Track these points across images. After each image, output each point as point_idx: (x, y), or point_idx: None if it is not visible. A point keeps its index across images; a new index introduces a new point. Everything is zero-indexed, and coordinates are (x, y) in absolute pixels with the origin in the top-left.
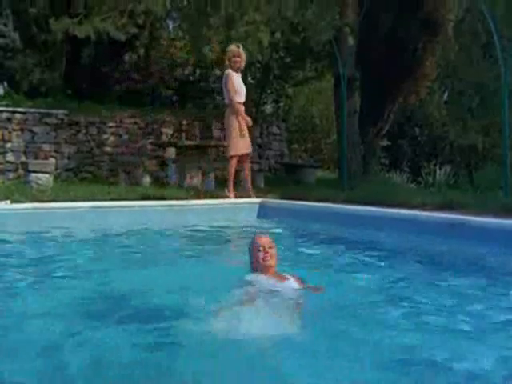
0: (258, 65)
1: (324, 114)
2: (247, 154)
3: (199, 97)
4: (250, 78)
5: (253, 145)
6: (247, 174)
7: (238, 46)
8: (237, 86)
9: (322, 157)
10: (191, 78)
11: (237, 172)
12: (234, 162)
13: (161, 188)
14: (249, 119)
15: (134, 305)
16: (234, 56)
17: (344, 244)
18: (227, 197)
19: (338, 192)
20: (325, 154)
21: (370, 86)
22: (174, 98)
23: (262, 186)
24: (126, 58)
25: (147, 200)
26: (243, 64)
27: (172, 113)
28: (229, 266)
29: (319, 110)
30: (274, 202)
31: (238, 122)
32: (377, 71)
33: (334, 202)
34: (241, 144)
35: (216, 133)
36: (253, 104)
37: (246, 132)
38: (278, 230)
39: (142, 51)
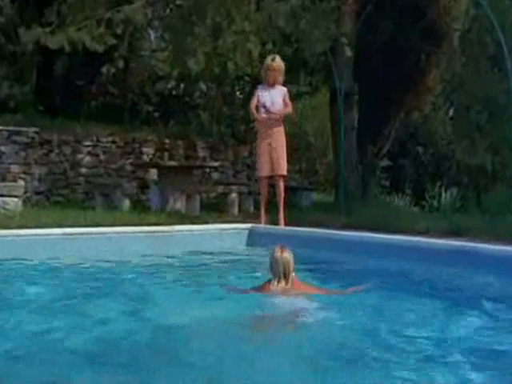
0: (247, 78)
1: (319, 131)
2: (279, 176)
3: (183, 113)
4: (238, 93)
5: (241, 166)
6: (278, 197)
7: (274, 58)
8: (261, 99)
9: (317, 178)
10: (174, 93)
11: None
12: (262, 184)
13: (141, 213)
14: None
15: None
16: (269, 69)
17: (342, 273)
18: (259, 221)
19: (335, 216)
20: (320, 174)
21: (368, 101)
22: (156, 114)
23: (252, 210)
24: (104, 70)
25: (126, 226)
26: (280, 79)
27: (153, 130)
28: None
29: (314, 127)
30: (265, 227)
31: (263, 140)
32: (376, 85)
33: (330, 227)
34: (266, 164)
35: (201, 152)
36: (241, 121)
37: (273, 150)
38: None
39: (120, 63)
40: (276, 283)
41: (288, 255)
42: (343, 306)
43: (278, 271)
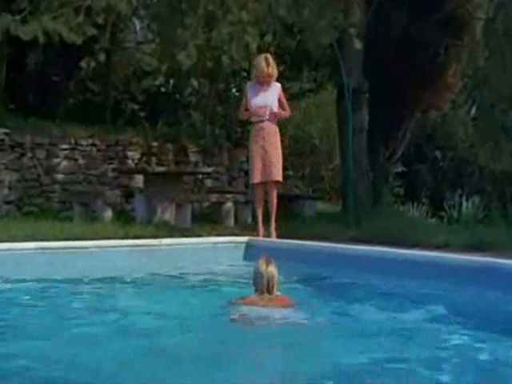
0: (244, 73)
1: (325, 133)
2: (272, 182)
3: (173, 113)
4: (234, 90)
5: (238, 172)
6: (270, 206)
7: (268, 64)
8: (252, 101)
9: (322, 186)
10: (163, 90)
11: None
12: (256, 191)
13: (125, 224)
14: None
15: None
16: (263, 77)
17: (348, 293)
18: (257, 234)
19: (342, 228)
20: (326, 182)
21: (380, 99)
22: (142, 113)
23: (250, 221)
24: (83, 64)
25: (108, 239)
26: (273, 80)
27: (139, 132)
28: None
29: (319, 128)
30: (264, 241)
31: (256, 143)
32: (389, 81)
33: (337, 240)
34: (259, 169)
35: (193, 157)
36: (237, 122)
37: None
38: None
39: (102, 57)
40: (256, 298)
41: (273, 269)
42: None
43: (262, 285)
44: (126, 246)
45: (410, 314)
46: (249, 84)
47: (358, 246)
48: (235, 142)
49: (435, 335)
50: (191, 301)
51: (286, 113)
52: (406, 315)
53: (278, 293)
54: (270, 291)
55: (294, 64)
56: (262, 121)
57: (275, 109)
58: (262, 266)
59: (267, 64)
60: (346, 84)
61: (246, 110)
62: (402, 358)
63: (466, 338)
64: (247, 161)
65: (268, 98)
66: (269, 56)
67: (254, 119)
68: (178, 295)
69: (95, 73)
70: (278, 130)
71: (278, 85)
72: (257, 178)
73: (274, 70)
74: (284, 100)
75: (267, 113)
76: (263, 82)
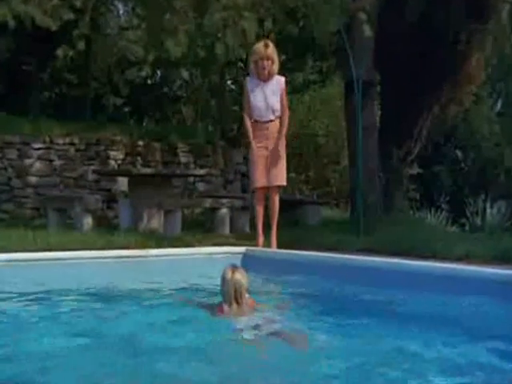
0: (241, 64)
1: (331, 131)
2: (275, 187)
3: (161, 108)
4: (229, 82)
5: (234, 174)
6: (271, 212)
7: (267, 45)
8: (252, 99)
9: (328, 190)
10: (149, 82)
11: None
12: (257, 196)
13: (107, 233)
14: (253, 148)
15: None
16: (261, 59)
17: (358, 310)
18: (256, 244)
19: (351, 238)
20: (332, 185)
21: (393, 93)
22: (126, 108)
23: (248, 229)
24: (59, 53)
25: (88, 250)
26: (274, 68)
27: (123, 129)
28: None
29: (324, 125)
30: (263, 251)
31: (258, 143)
32: (403, 72)
33: (345, 251)
34: (262, 172)
35: (183, 157)
36: (233, 119)
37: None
38: (269, 290)
39: (80, 44)
40: (227, 308)
41: (240, 277)
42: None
43: (229, 295)
44: (108, 257)
45: (421, 336)
46: (248, 80)
47: (368, 257)
48: (231, 140)
49: (455, 362)
50: (179, 319)
51: (283, 118)
52: (417, 337)
53: (250, 301)
54: (238, 301)
55: (296, 53)
56: (266, 121)
57: (277, 112)
58: (228, 274)
59: (266, 45)
60: (355, 76)
61: (249, 114)
62: None
63: (493, 358)
64: (245, 162)
65: (269, 96)
66: (269, 41)
67: (255, 118)
68: (164, 312)
69: (73, 62)
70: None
71: (282, 79)
72: (259, 182)
73: (273, 53)
74: (285, 99)
75: (270, 114)
76: (265, 75)
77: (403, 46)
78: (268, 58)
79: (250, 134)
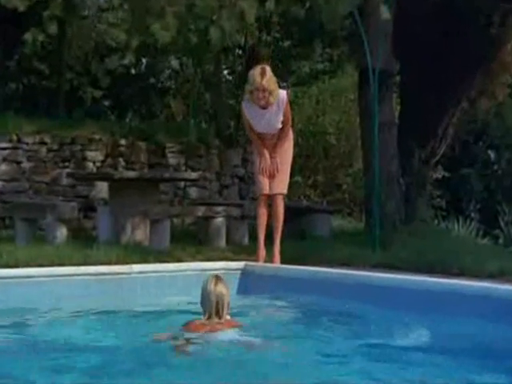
0: (239, 51)
1: (343, 128)
2: (279, 194)
3: (146, 101)
4: (226, 72)
5: (231, 178)
6: (275, 222)
7: (263, 73)
8: (252, 120)
9: (340, 196)
10: (133, 72)
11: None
12: (259, 203)
13: (85, 247)
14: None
15: None
16: (257, 90)
17: (375, 332)
18: (257, 258)
19: (367, 251)
20: (344, 191)
21: (415, 84)
22: (107, 102)
23: (247, 241)
24: (27, 37)
25: (62, 266)
26: (272, 99)
27: (103, 127)
28: None
29: (335, 122)
30: (265, 267)
31: (259, 155)
32: (426, 60)
33: (359, 267)
34: (267, 178)
35: (173, 159)
36: (230, 114)
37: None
38: (270, 315)
39: (52, 28)
40: (206, 320)
41: (223, 288)
42: None
43: (210, 307)
44: (86, 274)
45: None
46: (245, 105)
47: (385, 273)
48: (227, 139)
49: None
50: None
51: (284, 128)
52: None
53: (228, 317)
54: (219, 313)
55: (302, 39)
56: (272, 135)
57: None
58: (210, 285)
59: (262, 74)
60: (371, 64)
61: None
62: None
63: None
64: (243, 164)
65: (272, 119)
66: (267, 67)
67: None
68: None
69: (44, 49)
70: (291, 134)
71: (283, 96)
72: (266, 188)
73: (270, 84)
74: (288, 113)
75: (275, 131)
76: (260, 105)
77: (426, 29)
78: (264, 90)
79: (262, 148)
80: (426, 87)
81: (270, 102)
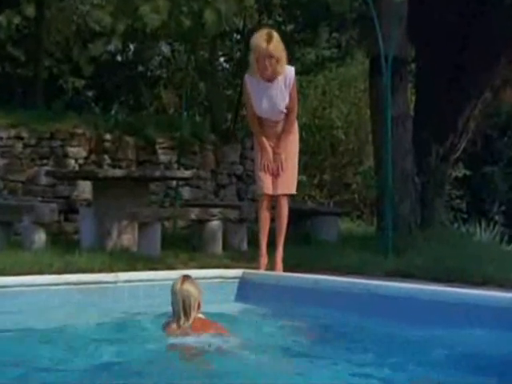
0: (238, 36)
1: (352, 121)
2: (284, 195)
3: (134, 92)
4: (222, 59)
5: (228, 177)
6: (279, 225)
7: (269, 39)
8: (254, 103)
9: (348, 196)
10: (119, 59)
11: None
12: (261, 205)
13: (66, 253)
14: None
15: None
16: (262, 58)
17: (389, 350)
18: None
19: (378, 258)
20: (354, 191)
21: (432, 73)
22: (90, 93)
23: (245, 246)
24: (1, 20)
25: (41, 275)
26: (279, 68)
27: (86, 120)
28: None
29: (344, 115)
30: (266, 275)
31: (261, 149)
32: (445, 46)
33: (370, 275)
34: (270, 177)
35: (164, 155)
36: (227, 106)
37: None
38: (272, 329)
39: (29, 10)
40: (174, 323)
41: (191, 287)
42: None
43: (177, 307)
44: (67, 283)
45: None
46: (247, 79)
47: (399, 282)
48: (224, 134)
49: None
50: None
51: (289, 116)
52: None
53: (201, 315)
54: (187, 314)
55: (307, 23)
56: (274, 120)
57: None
58: (177, 284)
59: (268, 38)
60: (383, 51)
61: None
62: None
63: None
64: (241, 161)
65: (276, 97)
66: (273, 31)
67: (261, 116)
68: (135, 352)
69: (19, 33)
70: (296, 125)
71: (290, 73)
72: (268, 188)
73: (277, 50)
74: (295, 95)
75: (278, 114)
76: (267, 75)
77: (445, 11)
78: (271, 56)
79: (261, 138)
80: (444, 76)
81: (278, 72)
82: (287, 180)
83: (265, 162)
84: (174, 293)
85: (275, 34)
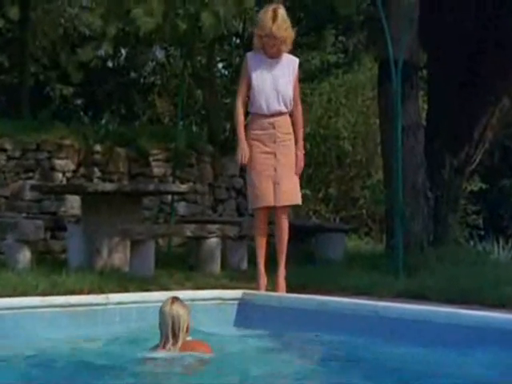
0: (237, 40)
1: (360, 131)
2: (283, 208)
3: (126, 100)
4: (220, 65)
5: (226, 191)
6: (279, 243)
7: (275, 16)
8: (255, 81)
9: (356, 212)
10: (110, 65)
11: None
12: (256, 221)
13: (52, 272)
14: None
15: None
16: (267, 36)
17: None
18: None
19: (388, 278)
20: (361, 206)
21: (446, 79)
22: (79, 101)
23: (245, 265)
24: None
25: (25, 296)
26: (284, 48)
27: (74, 130)
28: None
29: (351, 124)
30: (267, 296)
31: (260, 146)
32: (460, 50)
33: (379, 296)
34: (266, 189)
35: (158, 168)
36: (226, 115)
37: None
38: (274, 356)
39: (13, 12)
40: (162, 344)
41: (180, 309)
42: None
43: (166, 328)
44: (53, 305)
45: None
46: (250, 56)
47: (411, 304)
48: (223, 145)
49: None
50: None
51: (296, 114)
52: None
53: (189, 338)
54: (175, 336)
55: (312, 26)
56: (272, 113)
57: (289, 102)
58: (166, 306)
59: (274, 17)
60: (393, 56)
61: (245, 102)
62: None
63: None
64: (241, 174)
65: (279, 78)
66: (280, 9)
67: (256, 109)
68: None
69: (3, 37)
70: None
71: (295, 61)
72: (262, 201)
73: (283, 29)
74: (298, 89)
75: (279, 102)
76: (272, 52)
77: (459, 13)
78: (276, 38)
79: (241, 128)
80: (458, 82)
81: (282, 51)
82: (289, 190)
83: (241, 152)
84: (162, 314)
85: (281, 12)
